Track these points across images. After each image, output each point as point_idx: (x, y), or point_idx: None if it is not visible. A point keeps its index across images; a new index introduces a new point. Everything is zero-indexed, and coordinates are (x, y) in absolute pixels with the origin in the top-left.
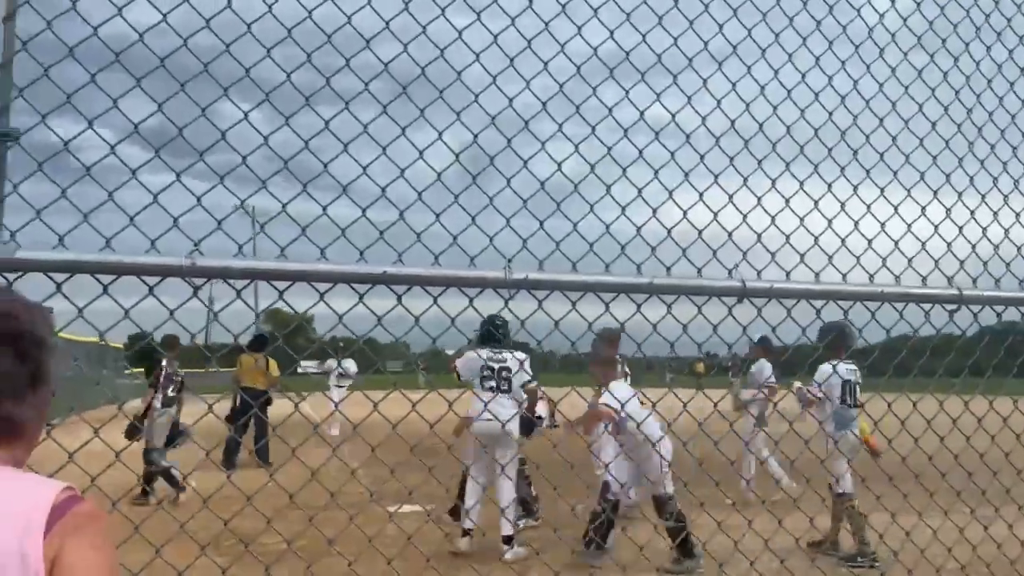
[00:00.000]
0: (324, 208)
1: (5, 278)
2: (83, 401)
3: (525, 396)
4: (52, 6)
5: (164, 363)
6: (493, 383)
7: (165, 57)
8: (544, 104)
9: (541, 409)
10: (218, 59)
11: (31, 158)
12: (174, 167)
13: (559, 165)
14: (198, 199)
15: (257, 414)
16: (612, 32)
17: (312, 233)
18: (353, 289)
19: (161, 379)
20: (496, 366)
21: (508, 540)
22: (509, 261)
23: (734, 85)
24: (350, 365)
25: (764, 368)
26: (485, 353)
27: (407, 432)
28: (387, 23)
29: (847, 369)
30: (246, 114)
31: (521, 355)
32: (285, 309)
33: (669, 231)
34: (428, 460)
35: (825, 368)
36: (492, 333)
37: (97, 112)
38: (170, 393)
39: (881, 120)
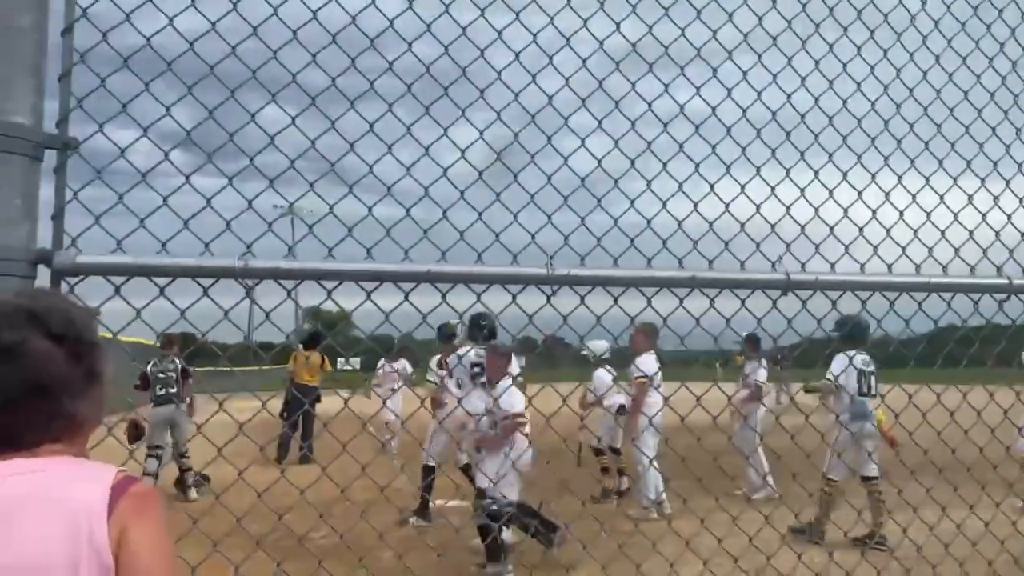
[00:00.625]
0: (370, 208)
1: (67, 282)
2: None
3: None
4: (105, 19)
5: (149, 364)
6: (482, 379)
7: (215, 64)
8: (584, 101)
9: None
10: (262, 64)
11: (89, 166)
12: (214, 171)
13: (599, 161)
14: (249, 203)
15: (307, 410)
16: (651, 27)
17: (356, 232)
18: (399, 288)
19: (149, 379)
20: (483, 362)
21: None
22: (551, 258)
23: (775, 77)
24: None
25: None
26: (473, 351)
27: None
28: (428, 26)
29: (862, 360)
30: (293, 119)
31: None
32: (326, 307)
33: (711, 224)
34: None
35: (842, 359)
36: (479, 330)
37: (149, 119)
38: (159, 392)
39: (925, 108)
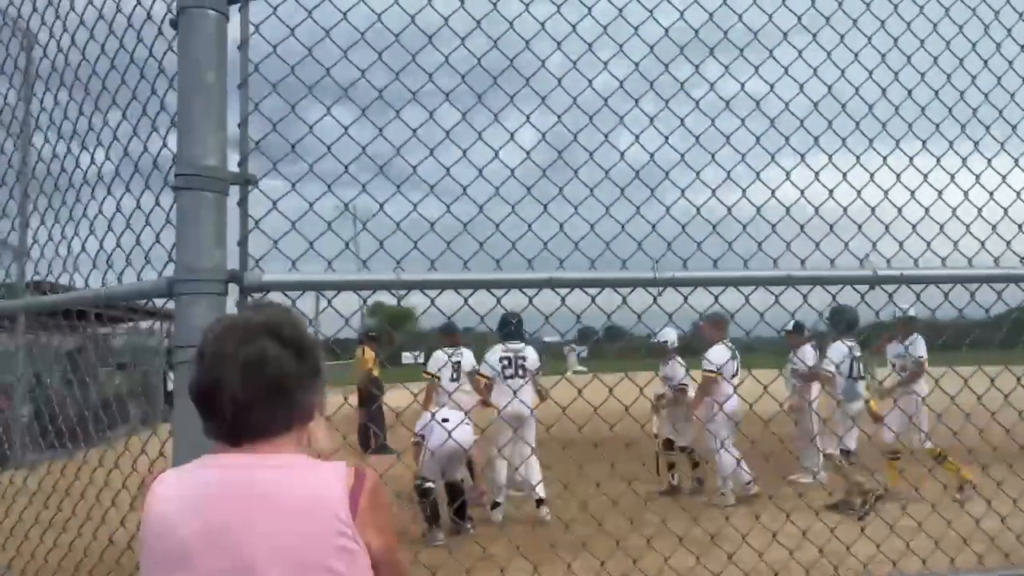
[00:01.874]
0: (448, 206)
1: (252, 297)
2: None
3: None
4: (277, 70)
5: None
6: (511, 371)
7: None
8: (636, 100)
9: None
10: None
11: (267, 198)
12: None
13: (658, 153)
14: (310, 205)
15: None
16: (712, 14)
17: (410, 231)
18: (458, 294)
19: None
20: (512, 356)
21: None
22: (656, 262)
23: (843, 72)
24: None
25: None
26: (502, 347)
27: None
28: (478, 22)
29: (852, 347)
30: (346, 129)
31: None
32: (387, 302)
33: (802, 227)
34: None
35: (841, 348)
36: (510, 328)
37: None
38: None
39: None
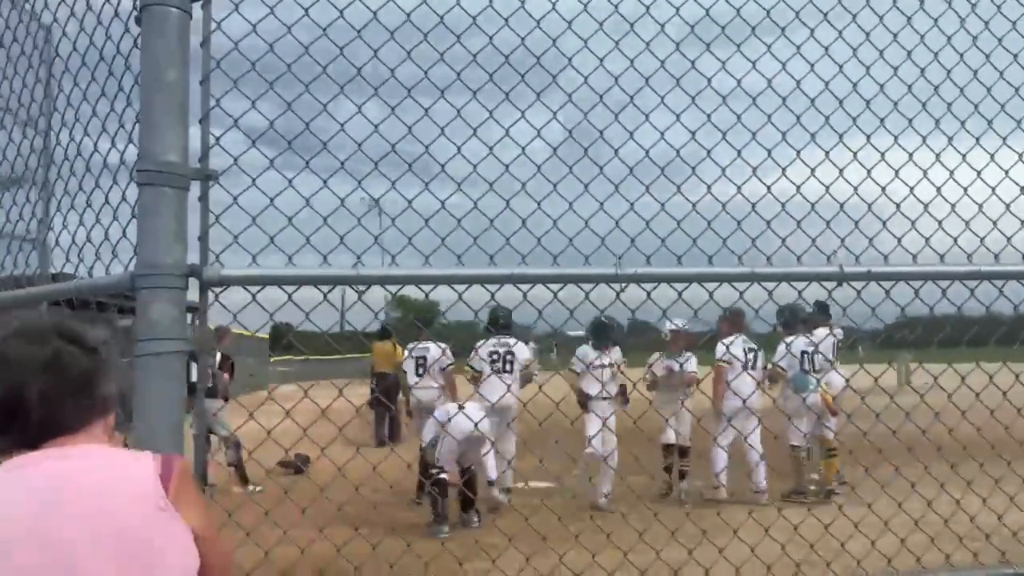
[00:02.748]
0: (475, 202)
1: (213, 291)
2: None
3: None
4: (236, 65)
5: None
6: (499, 365)
7: (356, 72)
8: (662, 98)
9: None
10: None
11: (228, 193)
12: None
13: (677, 150)
14: (341, 200)
15: (389, 395)
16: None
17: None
18: (485, 288)
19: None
20: (502, 351)
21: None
22: (619, 258)
23: (812, 66)
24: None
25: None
26: (492, 340)
27: (534, 411)
28: (506, 20)
29: (805, 342)
30: (376, 127)
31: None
32: (412, 296)
33: (768, 223)
34: (551, 438)
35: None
36: (499, 323)
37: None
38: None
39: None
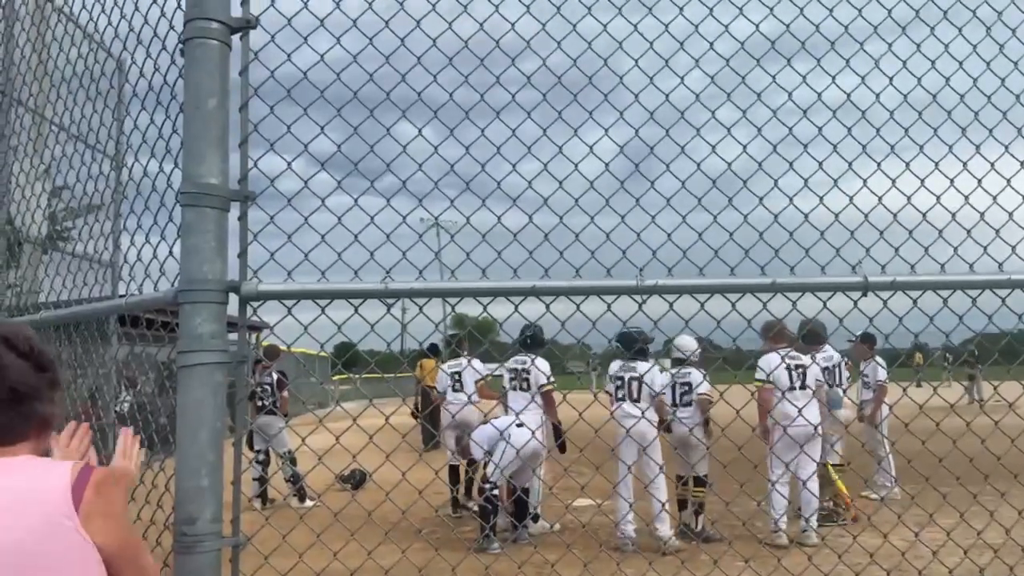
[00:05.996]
0: (530, 216)
1: (251, 305)
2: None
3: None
4: (274, 93)
5: (256, 374)
6: (515, 384)
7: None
8: (713, 113)
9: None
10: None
11: (265, 213)
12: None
13: (729, 165)
14: (403, 218)
15: (434, 408)
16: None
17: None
18: (509, 300)
19: (256, 391)
20: (519, 368)
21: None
22: (640, 270)
23: (833, 78)
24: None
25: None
26: (514, 358)
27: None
28: (558, 43)
29: (790, 355)
30: (435, 148)
31: (541, 361)
32: (471, 313)
33: (791, 233)
34: (596, 458)
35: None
36: (523, 341)
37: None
38: (259, 404)
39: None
